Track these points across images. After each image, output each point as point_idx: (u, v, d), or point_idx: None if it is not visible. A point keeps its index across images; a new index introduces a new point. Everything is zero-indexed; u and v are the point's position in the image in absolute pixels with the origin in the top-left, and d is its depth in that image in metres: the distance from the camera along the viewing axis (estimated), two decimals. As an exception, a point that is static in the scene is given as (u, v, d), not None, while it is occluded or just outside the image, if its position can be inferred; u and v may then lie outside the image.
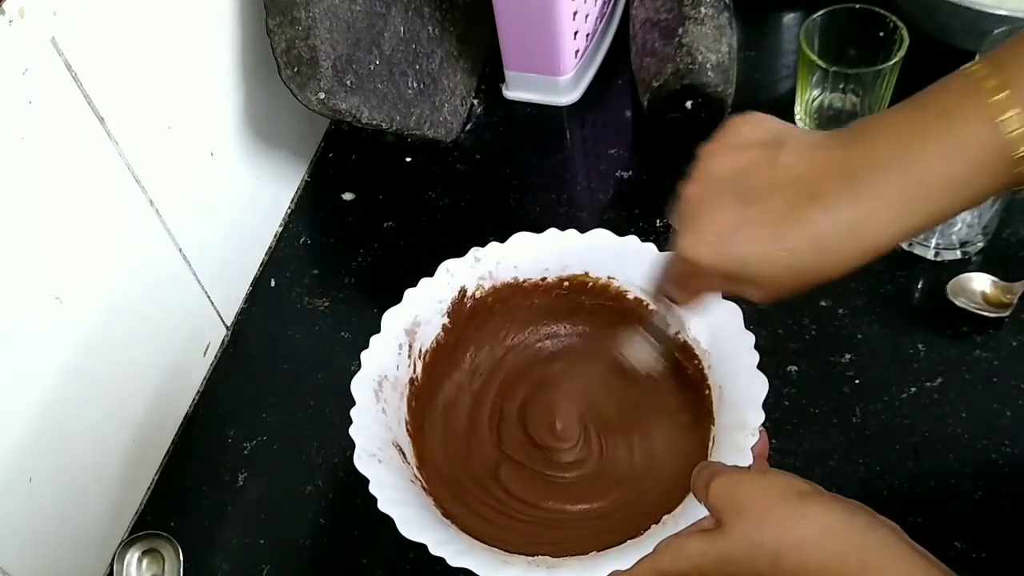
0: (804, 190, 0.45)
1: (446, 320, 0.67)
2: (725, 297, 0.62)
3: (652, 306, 0.62)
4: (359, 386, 0.61)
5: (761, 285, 0.47)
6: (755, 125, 0.48)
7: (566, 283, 0.68)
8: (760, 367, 0.59)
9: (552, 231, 0.67)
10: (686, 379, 0.65)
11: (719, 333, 0.62)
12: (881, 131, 0.45)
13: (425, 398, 0.66)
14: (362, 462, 0.57)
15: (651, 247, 0.65)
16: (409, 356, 0.65)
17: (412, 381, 0.65)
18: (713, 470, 0.52)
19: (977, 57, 0.44)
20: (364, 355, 0.62)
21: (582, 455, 0.63)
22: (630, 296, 0.67)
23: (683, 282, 0.53)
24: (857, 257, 0.45)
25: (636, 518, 0.58)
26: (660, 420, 0.64)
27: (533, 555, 0.56)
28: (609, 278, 0.67)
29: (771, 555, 0.47)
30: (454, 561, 0.53)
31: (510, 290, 0.68)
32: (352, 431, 0.58)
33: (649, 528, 0.56)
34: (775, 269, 0.46)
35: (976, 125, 0.42)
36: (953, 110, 0.43)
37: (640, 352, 0.63)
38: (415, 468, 0.61)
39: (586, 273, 0.67)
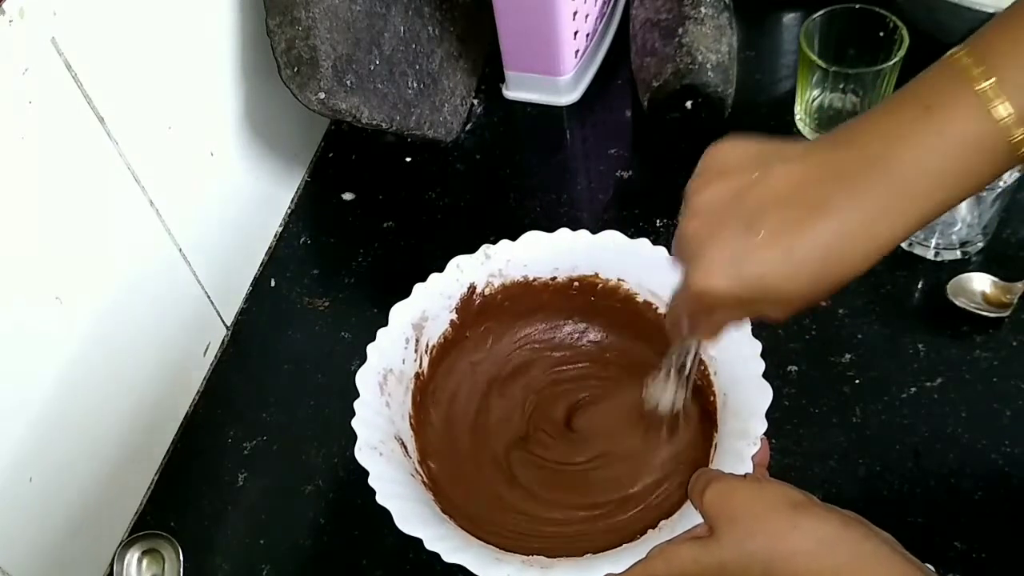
0: (804, 201, 0.44)
1: (454, 316, 0.67)
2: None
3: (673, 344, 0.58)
4: (364, 379, 0.61)
5: (779, 302, 0.46)
6: (735, 148, 0.47)
7: (576, 283, 0.68)
8: (761, 369, 0.59)
9: (563, 231, 0.67)
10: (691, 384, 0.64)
11: (726, 339, 0.62)
12: (872, 129, 0.44)
13: (430, 393, 0.66)
14: (363, 454, 0.57)
15: (662, 251, 0.64)
16: (415, 351, 0.65)
17: (418, 376, 0.65)
18: (710, 477, 0.52)
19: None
20: (370, 348, 0.62)
21: (585, 455, 0.63)
22: (639, 299, 0.67)
23: (701, 319, 0.51)
24: (871, 256, 0.44)
25: (633, 521, 0.58)
26: (663, 424, 0.64)
27: (528, 554, 0.56)
28: (619, 280, 0.67)
29: (763, 564, 0.47)
30: (449, 557, 0.53)
31: (520, 288, 0.68)
32: (354, 423, 0.59)
33: (646, 532, 0.56)
34: (792, 284, 0.44)
35: (967, 117, 0.42)
36: (942, 101, 0.43)
37: (666, 392, 0.60)
38: (416, 462, 0.61)
39: (596, 274, 0.67)
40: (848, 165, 0.44)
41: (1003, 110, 0.41)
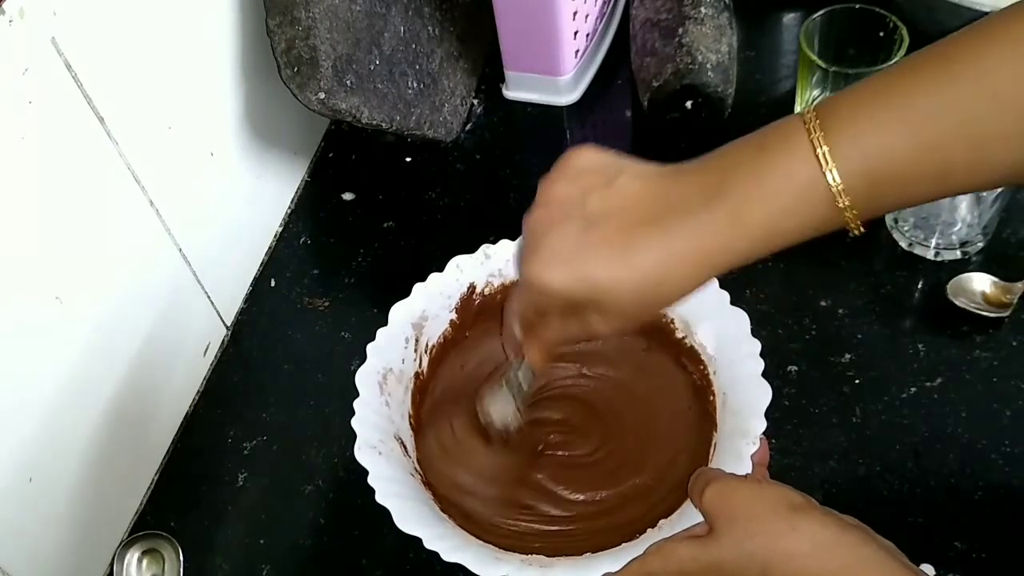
0: (641, 214, 0.46)
1: (454, 316, 0.67)
2: (732, 303, 0.62)
3: (511, 358, 0.58)
4: (363, 378, 0.61)
5: (607, 310, 0.47)
6: (591, 154, 0.49)
7: None
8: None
9: None
10: (691, 384, 0.64)
11: (726, 339, 0.62)
12: (713, 161, 0.46)
13: (430, 392, 0.66)
14: (362, 453, 0.57)
15: None
16: (415, 350, 0.65)
17: (418, 375, 0.65)
18: (709, 476, 0.52)
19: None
20: (370, 347, 0.62)
21: (584, 452, 0.63)
22: None
23: (529, 326, 0.53)
24: (695, 278, 0.46)
25: (632, 521, 0.58)
26: (663, 423, 0.64)
27: (527, 553, 0.56)
28: None
29: (761, 564, 0.47)
30: (448, 556, 0.53)
31: None
32: (354, 422, 0.59)
33: (645, 532, 0.56)
34: (621, 290, 0.46)
35: (794, 160, 0.43)
36: (776, 143, 0.44)
37: (501, 407, 0.60)
38: (415, 462, 0.61)
39: None
40: (686, 190, 0.46)
41: (830, 178, 0.43)
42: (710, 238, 0.45)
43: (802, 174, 0.43)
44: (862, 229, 0.44)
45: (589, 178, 0.48)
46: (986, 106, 0.42)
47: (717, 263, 0.45)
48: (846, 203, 0.43)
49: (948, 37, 0.44)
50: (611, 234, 0.46)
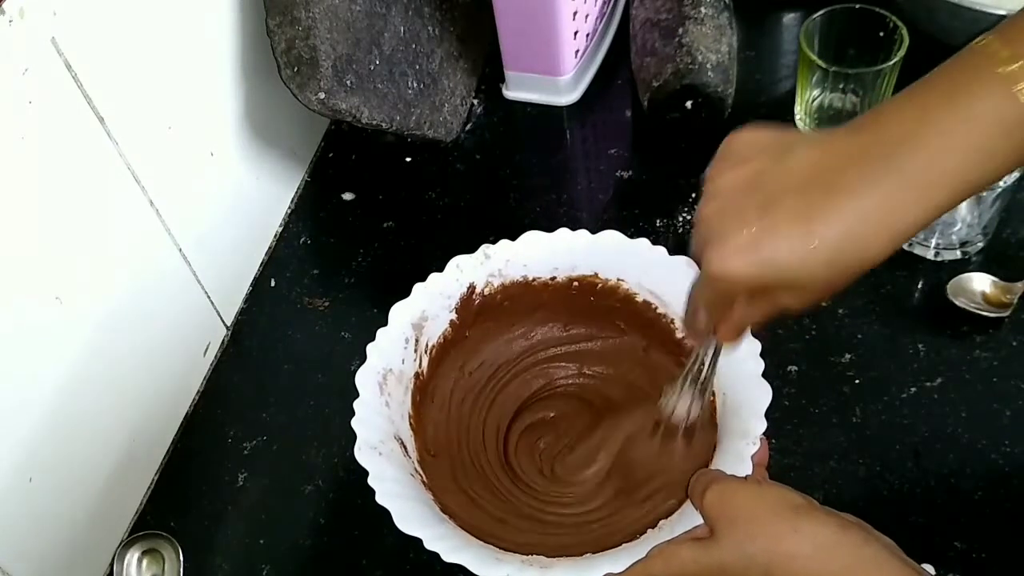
0: (822, 184, 0.43)
1: (454, 316, 0.67)
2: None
3: (691, 348, 0.56)
4: (363, 378, 0.61)
5: (799, 288, 0.45)
6: (754, 134, 0.47)
7: (575, 283, 0.68)
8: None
9: (563, 231, 0.67)
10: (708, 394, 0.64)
11: None
12: (894, 114, 0.44)
13: (430, 393, 0.66)
14: (362, 454, 0.57)
15: (661, 251, 0.65)
16: (415, 350, 0.65)
17: (418, 375, 0.65)
18: (710, 477, 0.52)
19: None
20: (370, 348, 0.62)
21: (584, 453, 0.63)
22: (639, 299, 0.67)
23: (718, 313, 0.50)
24: (889, 241, 0.43)
25: (633, 522, 0.58)
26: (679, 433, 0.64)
27: (528, 554, 0.56)
28: (619, 280, 0.67)
29: (763, 566, 0.47)
30: (448, 557, 0.53)
31: (519, 288, 0.68)
32: (354, 423, 0.59)
33: (646, 532, 0.56)
34: (812, 267, 0.43)
35: (991, 97, 0.41)
36: (966, 84, 0.42)
37: (686, 402, 0.59)
38: (416, 462, 0.61)
39: (595, 274, 0.67)
40: (868, 149, 0.43)
41: None
42: (902, 195, 0.42)
43: (999, 109, 0.41)
44: None
45: (756, 161, 0.46)
46: None
47: (911, 220, 0.43)
48: None
49: None
50: (792, 210, 0.43)
